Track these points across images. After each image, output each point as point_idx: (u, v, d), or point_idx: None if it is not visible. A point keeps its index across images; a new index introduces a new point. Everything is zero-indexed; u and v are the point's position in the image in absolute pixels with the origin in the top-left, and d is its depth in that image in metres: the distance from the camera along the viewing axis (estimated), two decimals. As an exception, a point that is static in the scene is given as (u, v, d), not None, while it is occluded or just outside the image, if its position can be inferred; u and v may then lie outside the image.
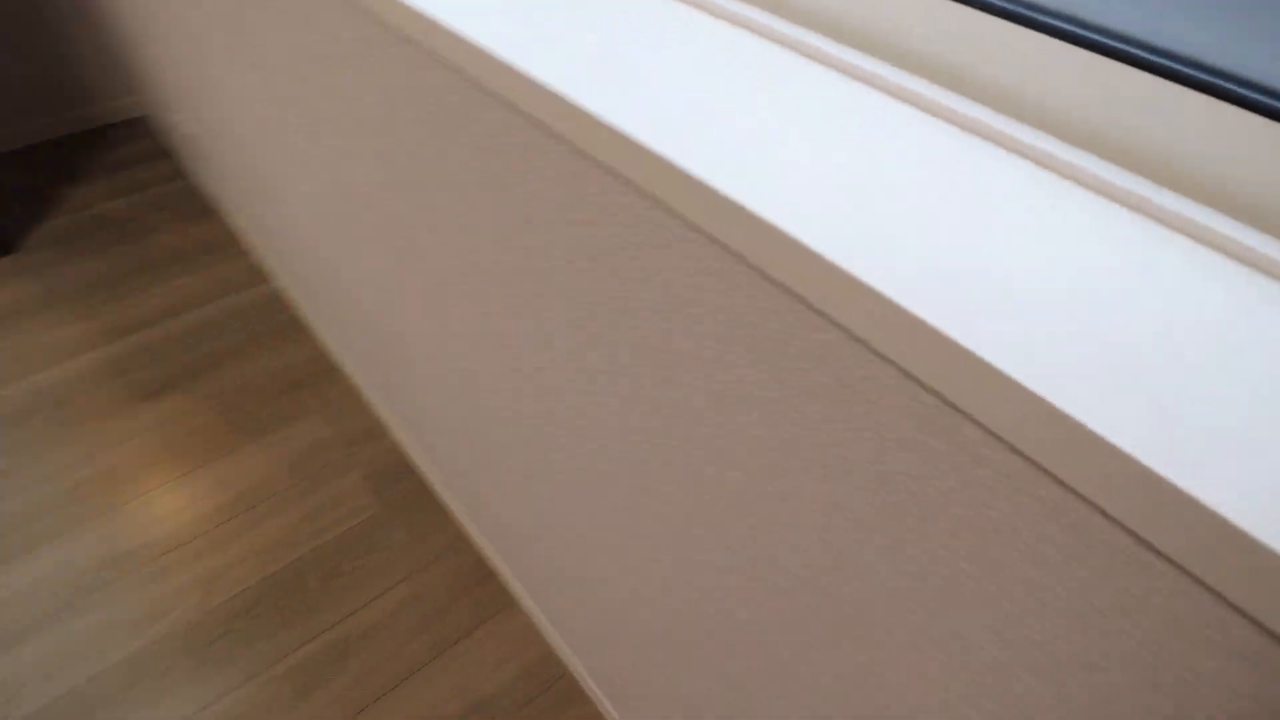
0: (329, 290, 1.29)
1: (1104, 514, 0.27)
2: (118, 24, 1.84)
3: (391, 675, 1.16)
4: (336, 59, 0.69)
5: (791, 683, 0.55)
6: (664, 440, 0.52)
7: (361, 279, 1.04)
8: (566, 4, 0.44)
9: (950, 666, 0.39)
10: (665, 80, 0.38)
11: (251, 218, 1.64)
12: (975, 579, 0.34)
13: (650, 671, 0.84)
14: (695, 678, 0.72)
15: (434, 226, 0.69)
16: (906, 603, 0.39)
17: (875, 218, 0.30)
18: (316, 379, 1.59)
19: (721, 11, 0.43)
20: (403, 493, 1.39)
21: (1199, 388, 0.24)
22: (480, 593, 1.26)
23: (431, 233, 0.71)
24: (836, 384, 0.35)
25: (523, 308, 0.61)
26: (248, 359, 1.62)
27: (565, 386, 0.62)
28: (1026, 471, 0.29)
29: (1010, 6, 0.34)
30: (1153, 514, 0.23)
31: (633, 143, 0.34)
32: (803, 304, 0.34)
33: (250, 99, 1.05)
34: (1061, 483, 0.28)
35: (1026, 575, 0.31)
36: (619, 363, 0.52)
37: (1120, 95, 0.31)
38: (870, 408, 0.34)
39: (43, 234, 1.92)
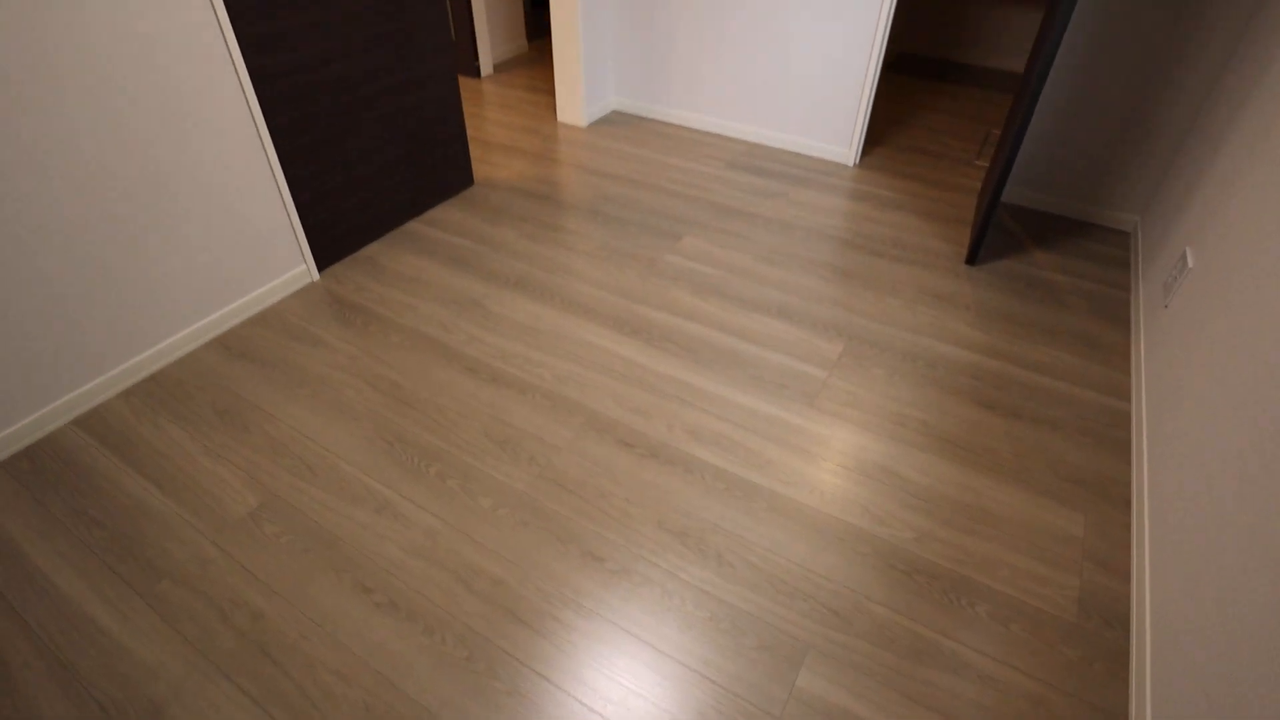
0: (1190, 460, 1.30)
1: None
2: (1159, 143, 2.07)
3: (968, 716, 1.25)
4: None
5: None
6: None
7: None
8: None
9: None
10: None
11: (1155, 357, 1.74)
12: None
13: None
14: None
15: None
16: None
17: None
18: (1100, 494, 1.66)
19: None
20: (1101, 634, 1.38)
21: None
22: (1094, 764, 1.19)
23: None
24: None
25: None
26: (1061, 436, 1.81)
27: None
28: None
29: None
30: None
31: None
32: None
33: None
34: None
35: None
36: None
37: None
38: None
39: (995, 265, 2.48)
